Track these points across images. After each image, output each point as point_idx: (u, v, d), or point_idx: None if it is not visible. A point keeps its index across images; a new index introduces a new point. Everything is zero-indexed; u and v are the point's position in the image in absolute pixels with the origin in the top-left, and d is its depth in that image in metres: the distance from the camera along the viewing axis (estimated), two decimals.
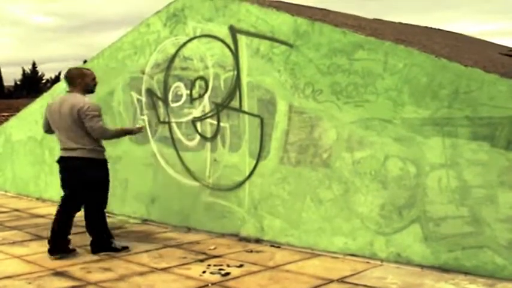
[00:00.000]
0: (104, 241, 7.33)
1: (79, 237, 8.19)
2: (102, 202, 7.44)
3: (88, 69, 7.60)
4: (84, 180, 7.17)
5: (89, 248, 7.53)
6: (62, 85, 11.18)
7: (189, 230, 8.46)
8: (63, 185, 7.38)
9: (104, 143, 7.21)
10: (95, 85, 7.46)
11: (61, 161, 7.32)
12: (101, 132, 7.16)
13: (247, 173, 7.88)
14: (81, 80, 7.29)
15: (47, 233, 8.42)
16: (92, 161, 7.23)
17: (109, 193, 7.52)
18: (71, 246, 7.27)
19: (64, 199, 7.36)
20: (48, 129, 7.53)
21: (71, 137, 7.13)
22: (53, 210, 10.31)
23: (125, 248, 7.33)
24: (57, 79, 67.70)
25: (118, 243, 7.39)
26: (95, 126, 7.05)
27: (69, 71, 7.53)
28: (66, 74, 7.59)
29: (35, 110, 11.71)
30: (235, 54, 8.00)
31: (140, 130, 7.86)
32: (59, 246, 7.21)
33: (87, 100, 7.18)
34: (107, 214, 9.74)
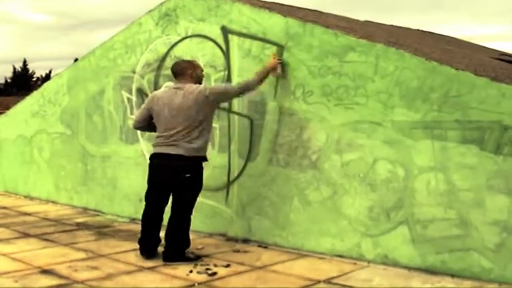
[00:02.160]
0: (180, 250, 6.90)
1: (66, 235, 8.20)
2: (191, 208, 7.05)
3: (196, 61, 7.51)
4: (180, 179, 6.86)
5: (76, 246, 7.53)
6: (52, 83, 11.17)
7: None
8: (158, 185, 7.03)
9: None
10: (202, 77, 7.27)
11: (162, 157, 6.91)
12: (244, 89, 7.14)
13: (236, 174, 7.87)
14: (192, 71, 7.08)
15: (35, 231, 8.43)
16: (200, 161, 6.96)
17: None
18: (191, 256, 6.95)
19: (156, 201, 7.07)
20: (143, 125, 7.32)
21: (187, 133, 6.78)
22: (41, 208, 10.36)
23: (199, 258, 6.88)
24: (47, 77, 67.43)
25: (191, 252, 7.03)
26: (232, 90, 7.12)
27: (179, 63, 7.27)
28: (174, 66, 7.23)
29: (25, 108, 11.67)
30: (227, 55, 8.00)
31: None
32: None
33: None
34: (95, 213, 9.79)
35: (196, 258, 6.85)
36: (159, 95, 7.09)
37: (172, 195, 6.99)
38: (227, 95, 7.18)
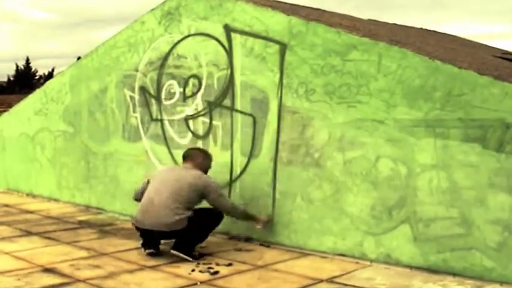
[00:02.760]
0: (189, 245, 6.93)
1: (68, 233, 8.20)
2: (217, 218, 7.21)
3: (209, 152, 7.60)
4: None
5: (78, 244, 7.53)
6: (55, 82, 11.18)
7: None
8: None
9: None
10: (210, 168, 7.43)
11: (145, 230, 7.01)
12: (231, 212, 7.29)
13: (238, 172, 7.87)
14: (202, 160, 7.31)
15: (37, 229, 8.43)
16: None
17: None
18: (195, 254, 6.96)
19: None
20: (140, 198, 7.27)
21: (170, 201, 6.83)
22: (43, 206, 10.37)
23: (201, 256, 6.91)
24: (50, 75, 67.58)
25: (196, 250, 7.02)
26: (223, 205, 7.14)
27: (193, 149, 7.62)
28: (188, 150, 7.53)
29: (27, 106, 11.68)
30: (229, 53, 7.99)
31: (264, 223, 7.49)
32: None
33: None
34: (98, 211, 9.79)
35: (199, 257, 6.86)
36: (163, 168, 7.74)
37: None
38: (215, 202, 7.10)
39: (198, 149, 7.73)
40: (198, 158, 7.30)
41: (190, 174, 7.05)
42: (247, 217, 7.42)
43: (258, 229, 7.44)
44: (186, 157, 7.37)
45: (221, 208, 7.15)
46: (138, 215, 7.04)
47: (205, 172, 7.28)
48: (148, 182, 7.30)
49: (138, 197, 7.36)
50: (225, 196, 7.42)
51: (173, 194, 6.84)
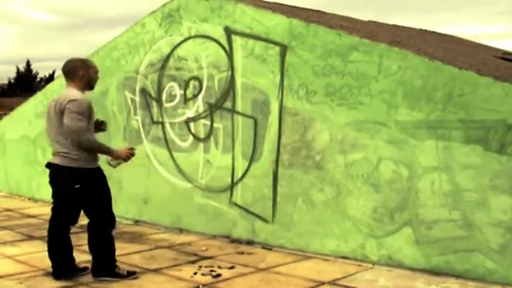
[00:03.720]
0: (106, 265, 6.25)
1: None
2: (103, 219, 6.35)
3: (91, 61, 6.43)
4: (66, 191, 6.11)
5: (80, 248, 7.51)
6: (56, 84, 11.17)
7: (181, 231, 8.43)
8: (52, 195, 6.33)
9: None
10: (97, 80, 6.32)
11: (48, 167, 6.21)
12: (78, 135, 5.89)
13: (239, 175, 7.86)
14: (84, 72, 6.14)
15: (39, 233, 8.42)
16: (75, 171, 6.06)
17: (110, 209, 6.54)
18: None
19: (53, 211, 6.34)
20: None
21: (58, 139, 6.04)
22: (45, 210, 10.33)
23: (132, 274, 6.29)
24: (51, 78, 67.53)
25: (122, 269, 6.33)
26: (72, 125, 5.86)
27: (70, 61, 6.24)
28: (65, 65, 6.24)
29: (28, 109, 11.68)
30: (230, 55, 7.99)
31: (128, 155, 6.50)
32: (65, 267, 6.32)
33: (80, 95, 5.99)
34: None
35: (128, 275, 6.26)
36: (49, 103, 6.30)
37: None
38: (66, 120, 5.88)
39: (76, 59, 6.31)
40: (79, 71, 6.13)
41: (59, 102, 5.99)
42: (105, 152, 6.37)
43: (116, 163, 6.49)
44: (66, 74, 6.21)
45: (69, 131, 5.89)
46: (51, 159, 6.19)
47: (92, 86, 6.32)
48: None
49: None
50: (82, 120, 5.92)
51: (56, 131, 6.04)
